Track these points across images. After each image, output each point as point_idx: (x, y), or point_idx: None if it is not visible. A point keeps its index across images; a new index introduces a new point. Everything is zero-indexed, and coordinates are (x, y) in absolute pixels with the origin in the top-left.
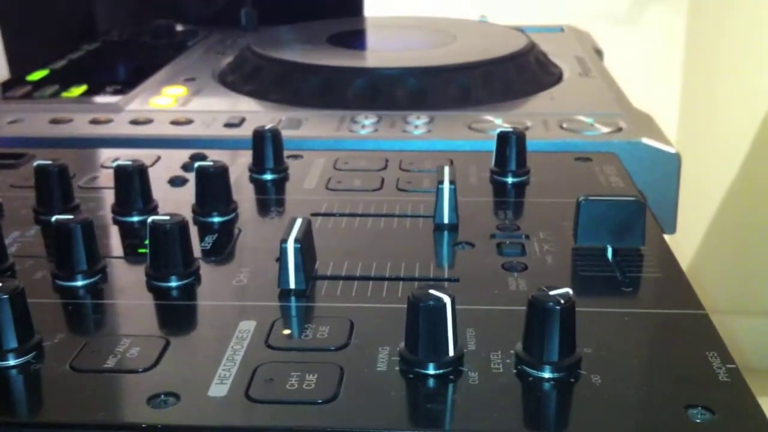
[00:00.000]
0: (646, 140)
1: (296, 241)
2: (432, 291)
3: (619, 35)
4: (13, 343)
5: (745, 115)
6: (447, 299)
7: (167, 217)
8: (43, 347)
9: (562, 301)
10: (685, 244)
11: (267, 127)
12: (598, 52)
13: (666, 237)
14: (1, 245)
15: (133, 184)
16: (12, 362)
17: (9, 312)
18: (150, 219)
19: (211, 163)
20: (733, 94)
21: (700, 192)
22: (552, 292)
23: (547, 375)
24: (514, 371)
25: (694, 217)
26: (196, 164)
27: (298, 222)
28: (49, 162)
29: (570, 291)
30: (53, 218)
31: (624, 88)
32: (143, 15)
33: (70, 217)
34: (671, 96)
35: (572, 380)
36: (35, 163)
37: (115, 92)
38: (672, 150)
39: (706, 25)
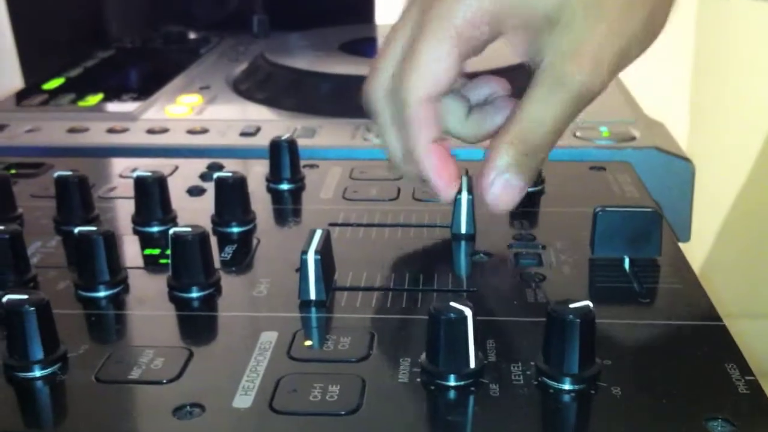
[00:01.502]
0: (659, 149)
1: (316, 252)
2: (452, 303)
3: None
4: (39, 355)
5: (756, 121)
6: (468, 312)
7: (188, 229)
8: (68, 358)
9: (582, 314)
10: (697, 248)
11: (283, 138)
12: None
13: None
14: (24, 256)
15: (153, 194)
16: (38, 373)
17: (35, 324)
18: (172, 231)
19: (230, 174)
20: (744, 99)
21: (711, 197)
22: (571, 305)
23: (567, 387)
24: (535, 383)
25: (706, 221)
26: (215, 175)
27: (318, 233)
28: (70, 173)
29: (590, 304)
30: (76, 230)
31: (634, 95)
32: (154, 21)
33: (93, 228)
34: (681, 102)
35: (592, 392)
36: (56, 174)
37: (131, 100)
38: (685, 159)
39: (716, 30)
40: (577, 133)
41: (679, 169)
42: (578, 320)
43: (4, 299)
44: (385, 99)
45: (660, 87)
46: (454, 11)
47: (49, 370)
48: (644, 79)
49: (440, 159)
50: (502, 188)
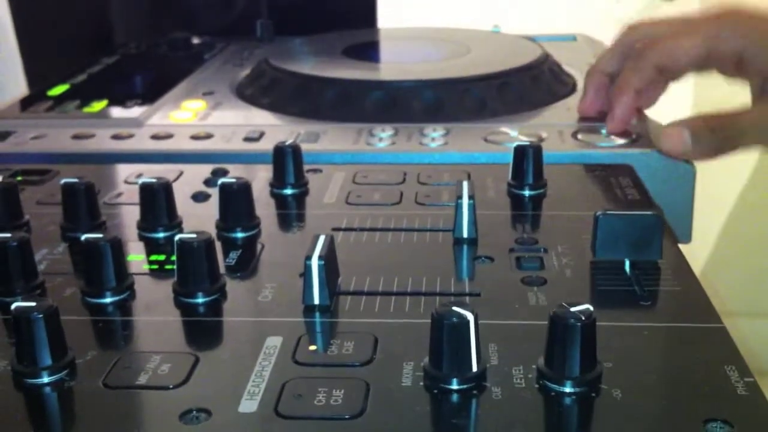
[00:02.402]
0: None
1: (320, 257)
2: (455, 308)
3: None
4: (47, 361)
5: None
6: (470, 316)
7: (194, 235)
8: (75, 364)
9: (583, 318)
10: (699, 247)
11: (287, 143)
12: None
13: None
14: (31, 263)
15: (158, 201)
16: (46, 379)
17: (43, 331)
18: (177, 237)
19: (234, 180)
20: (746, 98)
21: (713, 196)
22: (573, 309)
23: (568, 390)
24: (536, 386)
25: (708, 220)
26: (220, 181)
27: (322, 238)
28: (76, 180)
29: (590, 307)
30: (83, 237)
31: None
32: (158, 26)
33: (100, 235)
34: (684, 102)
35: (593, 395)
36: (62, 181)
37: (136, 106)
38: (687, 161)
39: None
40: (579, 136)
41: (681, 171)
42: (579, 324)
43: (13, 306)
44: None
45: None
46: None
47: (57, 377)
48: None
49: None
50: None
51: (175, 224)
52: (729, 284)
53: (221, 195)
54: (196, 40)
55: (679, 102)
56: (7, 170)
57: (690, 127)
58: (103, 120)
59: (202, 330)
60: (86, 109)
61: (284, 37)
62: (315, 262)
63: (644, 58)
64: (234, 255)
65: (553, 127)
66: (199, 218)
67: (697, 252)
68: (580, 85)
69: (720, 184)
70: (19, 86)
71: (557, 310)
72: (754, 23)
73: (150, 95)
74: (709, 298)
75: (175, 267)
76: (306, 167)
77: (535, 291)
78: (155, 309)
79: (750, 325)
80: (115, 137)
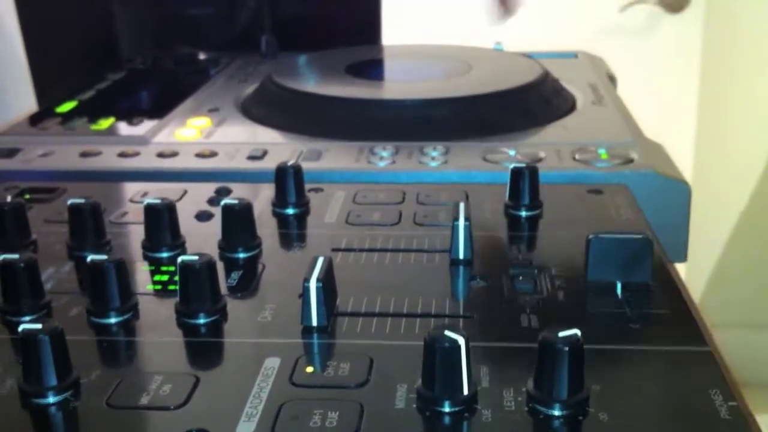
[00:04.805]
0: (656, 171)
1: (319, 280)
2: (447, 332)
3: (633, 54)
4: (53, 381)
5: (763, 131)
6: (461, 340)
7: (196, 257)
8: (80, 384)
9: (571, 343)
10: (702, 259)
11: (289, 164)
12: (612, 78)
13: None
14: (38, 283)
15: (162, 221)
16: (51, 400)
17: (49, 352)
18: (180, 258)
19: (236, 202)
20: (749, 116)
21: (715, 214)
22: (561, 333)
23: (557, 413)
24: (526, 409)
25: (711, 233)
26: (222, 203)
27: (320, 261)
28: (83, 200)
29: (578, 332)
30: (88, 258)
31: (638, 110)
32: (164, 41)
33: (105, 257)
34: (687, 116)
35: (581, 417)
36: (69, 202)
37: (142, 122)
38: (682, 181)
39: (722, 45)
40: (577, 156)
41: (676, 191)
42: (567, 348)
43: (21, 328)
44: None
45: (665, 101)
46: None
47: (61, 397)
48: (648, 93)
49: None
50: None
51: (179, 244)
52: (730, 296)
53: (223, 216)
54: (201, 56)
55: (684, 106)
56: (14, 188)
57: None
58: (110, 137)
59: (203, 350)
60: (94, 126)
61: (289, 53)
62: (313, 285)
63: None
64: (235, 275)
65: (551, 147)
66: (202, 237)
67: (701, 263)
68: (580, 103)
69: (718, 199)
70: (28, 102)
71: (545, 334)
72: None
73: (157, 111)
74: (697, 321)
75: (177, 287)
76: (308, 186)
77: (527, 313)
78: (158, 329)
79: (750, 336)
80: (122, 155)
